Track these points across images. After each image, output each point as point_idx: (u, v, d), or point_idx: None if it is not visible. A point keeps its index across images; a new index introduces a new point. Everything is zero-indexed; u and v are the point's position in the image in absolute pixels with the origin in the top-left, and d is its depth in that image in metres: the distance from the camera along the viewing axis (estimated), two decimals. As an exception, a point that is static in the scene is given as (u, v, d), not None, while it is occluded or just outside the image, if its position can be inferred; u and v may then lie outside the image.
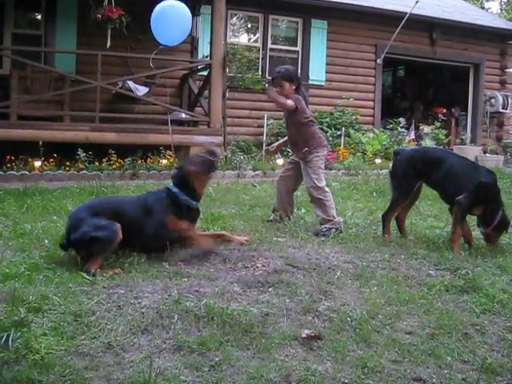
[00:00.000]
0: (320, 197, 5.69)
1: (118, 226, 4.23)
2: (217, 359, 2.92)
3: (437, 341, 3.29)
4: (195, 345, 3.03)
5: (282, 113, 13.48)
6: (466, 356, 3.16)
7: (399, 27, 13.87)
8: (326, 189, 5.80)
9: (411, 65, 18.64)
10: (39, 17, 13.04)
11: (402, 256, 4.79)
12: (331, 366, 2.95)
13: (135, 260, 4.29)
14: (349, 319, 3.46)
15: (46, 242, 4.76)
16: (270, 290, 3.86)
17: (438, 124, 16.24)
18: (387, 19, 14.54)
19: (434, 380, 2.89)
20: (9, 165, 9.52)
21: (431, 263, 4.65)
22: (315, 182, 5.72)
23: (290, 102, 5.72)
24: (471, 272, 4.40)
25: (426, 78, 19.64)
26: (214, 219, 5.75)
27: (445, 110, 17.87)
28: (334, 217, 5.65)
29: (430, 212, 6.81)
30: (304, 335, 3.21)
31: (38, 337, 2.99)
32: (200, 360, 2.91)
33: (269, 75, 13.99)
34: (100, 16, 10.65)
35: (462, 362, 3.10)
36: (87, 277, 3.87)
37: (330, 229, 5.51)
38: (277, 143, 6.68)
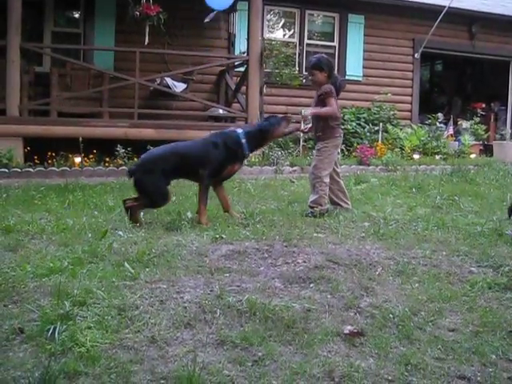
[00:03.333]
0: (317, 185, 6.08)
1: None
2: (260, 354, 2.92)
3: (481, 338, 3.24)
4: (238, 340, 3.04)
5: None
6: (510, 354, 3.10)
7: (437, 21, 13.69)
8: (326, 180, 6.11)
9: (449, 59, 18.39)
10: (78, 15, 13.23)
11: (444, 253, 4.73)
12: (374, 363, 2.93)
13: (176, 254, 4.34)
14: (391, 316, 3.43)
15: (89, 236, 4.82)
16: (311, 285, 3.85)
17: (477, 119, 16.01)
18: (425, 13, 14.38)
19: (478, 378, 2.85)
20: (50, 161, 9.69)
21: (473, 260, 4.58)
22: (318, 170, 6.12)
23: (328, 110, 6.08)
24: (514, 269, 4.34)
25: (465, 73, 19.39)
26: (251, 214, 5.78)
27: (484, 105, 17.59)
28: (320, 205, 6.01)
29: (470, 208, 6.71)
30: (346, 331, 3.20)
31: (83, 330, 3.03)
32: (243, 355, 2.91)
33: (305, 71, 13.99)
34: (138, 13, 10.75)
35: (508, 360, 3.05)
36: (130, 270, 3.91)
37: (312, 213, 5.94)
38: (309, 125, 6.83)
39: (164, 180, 5.53)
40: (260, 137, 5.84)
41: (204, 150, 5.59)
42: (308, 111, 6.18)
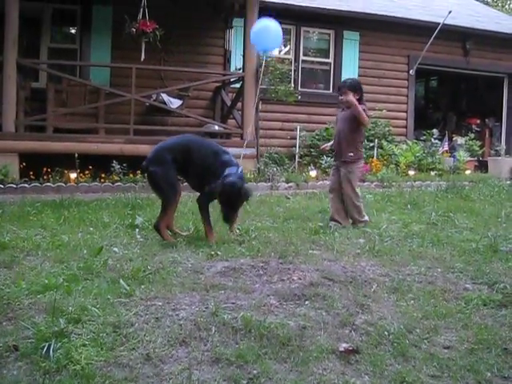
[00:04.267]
0: (358, 203, 6.47)
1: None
2: (255, 372, 2.92)
3: (476, 356, 3.25)
4: (233, 357, 3.04)
5: (314, 125, 13.52)
6: (505, 372, 3.10)
7: (432, 38, 13.79)
8: (360, 194, 6.61)
9: (444, 75, 18.52)
10: (74, 31, 13.29)
11: (439, 269, 4.73)
12: (369, 380, 2.94)
13: (172, 271, 4.34)
14: (386, 333, 3.43)
15: (84, 252, 4.82)
16: (306, 303, 3.85)
17: (472, 135, 16.08)
18: (420, 30, 14.50)
19: (473, 396, 2.86)
20: (45, 177, 9.68)
21: (468, 277, 4.59)
22: (355, 190, 6.47)
23: (364, 117, 6.36)
24: (509, 286, 4.32)
25: (459, 89, 19.49)
26: (246, 231, 5.78)
27: (478, 121, 17.69)
28: (365, 216, 6.50)
29: (465, 224, 6.73)
30: (342, 349, 3.20)
31: (78, 347, 3.03)
32: (238, 372, 2.91)
33: (301, 87, 14.07)
34: (134, 30, 10.80)
35: (502, 378, 3.05)
36: (126, 287, 3.91)
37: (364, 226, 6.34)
38: (330, 143, 7.16)
39: (173, 171, 5.58)
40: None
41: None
42: (353, 99, 6.34)
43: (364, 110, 6.34)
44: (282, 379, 2.87)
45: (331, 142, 7.02)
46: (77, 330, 3.24)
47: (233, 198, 5.38)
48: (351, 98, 6.33)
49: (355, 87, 6.47)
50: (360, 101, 6.41)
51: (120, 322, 3.36)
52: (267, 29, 8.11)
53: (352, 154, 6.44)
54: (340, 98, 6.50)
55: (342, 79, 14.20)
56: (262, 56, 10.53)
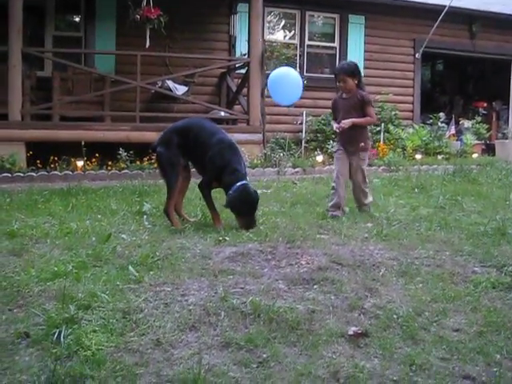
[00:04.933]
0: (367, 190, 6.36)
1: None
2: (264, 356, 2.93)
3: (485, 338, 3.24)
4: (243, 341, 3.04)
5: (320, 109, 13.43)
6: (515, 354, 3.12)
7: (438, 21, 13.72)
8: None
9: (450, 58, 18.40)
10: (78, 19, 13.27)
11: (447, 253, 4.73)
12: (379, 363, 2.94)
13: (180, 256, 4.35)
14: (395, 316, 3.43)
15: (93, 240, 4.84)
16: (315, 287, 3.85)
17: (479, 118, 16.00)
18: (426, 13, 14.40)
19: (483, 378, 2.85)
20: (52, 165, 9.71)
21: (477, 260, 4.58)
22: (366, 178, 6.33)
23: (369, 120, 6.30)
24: (518, 269, 4.33)
25: (466, 72, 19.39)
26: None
27: (485, 104, 17.59)
28: (369, 197, 6.39)
29: (473, 208, 6.71)
30: (351, 332, 3.20)
31: (88, 333, 3.04)
32: (248, 356, 2.92)
33: (307, 72, 13.99)
34: (139, 17, 10.77)
35: (512, 359, 3.06)
36: (134, 273, 3.92)
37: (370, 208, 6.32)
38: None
39: (177, 153, 5.63)
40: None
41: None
42: (348, 122, 6.03)
43: (368, 100, 6.14)
44: (291, 363, 2.88)
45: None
46: (87, 317, 3.26)
47: (251, 207, 5.45)
48: (351, 122, 6.02)
49: (353, 72, 6.15)
50: (359, 85, 6.16)
51: (129, 308, 3.37)
52: (285, 81, 7.92)
53: (363, 144, 6.24)
54: (338, 85, 6.20)
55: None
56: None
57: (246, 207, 5.41)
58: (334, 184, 6.22)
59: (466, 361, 2.99)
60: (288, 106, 11.50)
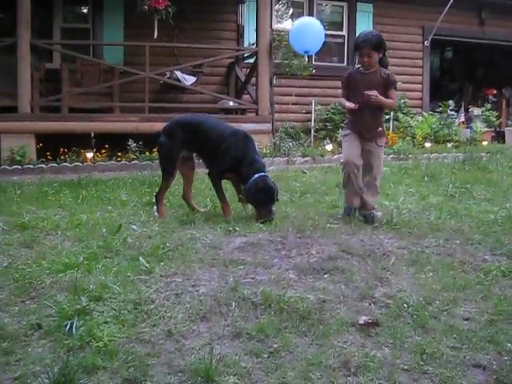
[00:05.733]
0: (378, 184, 5.51)
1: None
2: (275, 346, 2.94)
3: (496, 327, 3.24)
4: (254, 332, 3.06)
5: (329, 98, 13.30)
6: (526, 342, 3.11)
7: (447, 7, 13.60)
8: None
9: (459, 46, 18.26)
10: (86, 11, 13.24)
11: (457, 241, 4.72)
12: (390, 352, 2.95)
13: (190, 247, 4.37)
14: (405, 305, 3.44)
15: (103, 231, 4.86)
16: (325, 276, 3.86)
17: (489, 106, 15.89)
18: (434, 0, 14.28)
19: (494, 367, 2.85)
20: (62, 157, 9.73)
21: (487, 248, 4.57)
22: (382, 169, 5.61)
23: (393, 103, 5.47)
24: (528, 257, 4.33)
25: (475, 59, 19.24)
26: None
27: (495, 91, 17.48)
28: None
29: (483, 196, 6.69)
30: (361, 321, 3.21)
31: (100, 324, 3.07)
32: (259, 346, 2.94)
33: (315, 61, 13.93)
34: (147, 7, 10.74)
35: (523, 348, 3.06)
36: (145, 264, 3.94)
37: (376, 215, 5.38)
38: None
39: (179, 146, 5.66)
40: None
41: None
42: (374, 92, 5.17)
43: (394, 80, 5.33)
44: (302, 352, 2.90)
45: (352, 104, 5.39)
46: (98, 308, 3.28)
47: (271, 199, 5.43)
48: (379, 99, 5.22)
49: (380, 45, 5.27)
50: (383, 61, 5.33)
51: (141, 299, 3.40)
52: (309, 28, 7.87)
53: (381, 128, 5.49)
54: (361, 59, 5.31)
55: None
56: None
57: (266, 198, 5.38)
58: (346, 176, 5.44)
59: (476, 349, 3.00)
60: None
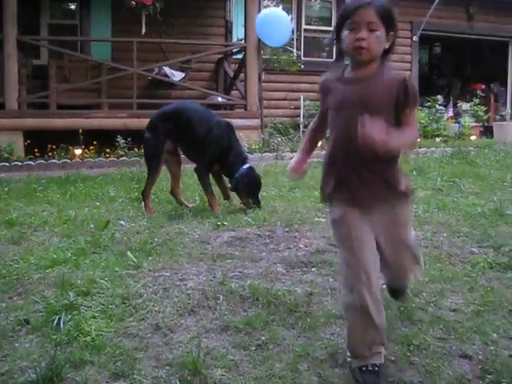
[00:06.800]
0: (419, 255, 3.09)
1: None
2: (263, 338, 2.95)
3: (482, 318, 3.26)
4: (241, 325, 3.06)
5: (317, 94, 13.35)
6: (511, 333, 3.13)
7: (435, 3, 13.64)
8: None
9: (448, 41, 18.29)
10: (74, 7, 13.20)
11: (445, 234, 4.74)
12: (377, 344, 2.95)
13: (178, 242, 4.37)
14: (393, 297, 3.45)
15: (91, 227, 4.85)
16: (313, 269, 3.88)
17: (477, 100, 15.94)
18: (423, -5, 14.32)
19: (480, 357, 2.86)
20: (50, 153, 9.70)
21: (474, 241, 4.60)
22: (414, 240, 3.03)
23: (416, 133, 2.73)
24: (515, 249, 4.34)
25: (464, 54, 19.30)
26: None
27: (483, 86, 17.53)
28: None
29: (471, 189, 6.72)
30: (349, 314, 3.20)
31: (87, 319, 3.06)
32: (247, 339, 2.94)
33: (304, 56, 13.93)
34: (134, 3, 10.70)
35: (508, 338, 3.06)
36: (133, 259, 3.94)
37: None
38: None
39: (162, 139, 5.71)
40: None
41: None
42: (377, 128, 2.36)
43: (415, 91, 2.72)
44: (290, 345, 2.90)
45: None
46: (86, 303, 3.28)
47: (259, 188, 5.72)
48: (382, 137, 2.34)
49: (392, 17, 2.55)
50: (389, 52, 2.63)
51: (129, 294, 3.40)
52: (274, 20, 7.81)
53: (401, 180, 2.70)
54: (357, 36, 2.46)
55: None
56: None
57: (255, 188, 5.63)
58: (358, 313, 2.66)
59: (463, 340, 3.01)
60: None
